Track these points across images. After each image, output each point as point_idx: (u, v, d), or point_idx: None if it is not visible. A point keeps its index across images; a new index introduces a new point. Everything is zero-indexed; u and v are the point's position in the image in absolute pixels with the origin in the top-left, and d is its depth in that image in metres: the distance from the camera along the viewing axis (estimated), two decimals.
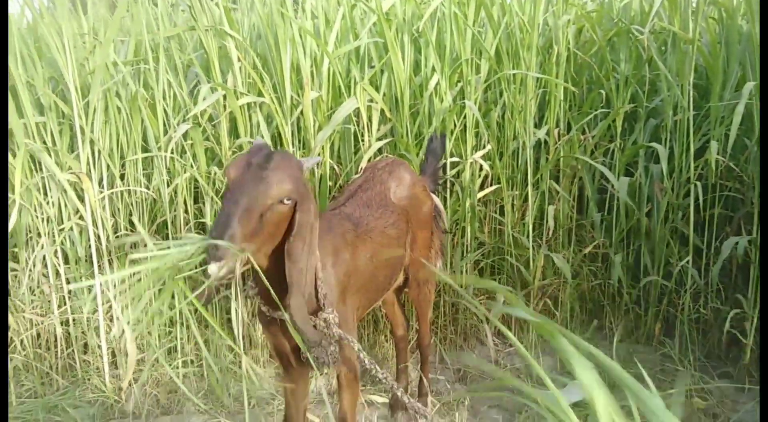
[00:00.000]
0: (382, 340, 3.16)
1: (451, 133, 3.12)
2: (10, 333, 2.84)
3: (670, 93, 3.16)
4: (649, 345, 3.20)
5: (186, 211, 2.94)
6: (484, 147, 3.19)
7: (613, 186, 3.21)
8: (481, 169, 3.16)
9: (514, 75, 3.18)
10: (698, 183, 2.98)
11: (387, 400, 2.79)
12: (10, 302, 2.85)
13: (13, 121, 2.69)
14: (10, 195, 2.74)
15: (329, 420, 2.55)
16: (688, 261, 3.03)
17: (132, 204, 2.93)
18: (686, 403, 2.68)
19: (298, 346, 1.87)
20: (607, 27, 3.56)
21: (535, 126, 3.30)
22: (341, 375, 1.97)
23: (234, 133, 2.97)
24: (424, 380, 2.71)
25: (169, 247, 1.43)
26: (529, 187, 3.19)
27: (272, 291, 1.58)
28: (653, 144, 3.14)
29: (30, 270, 2.80)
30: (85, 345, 2.91)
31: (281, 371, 2.06)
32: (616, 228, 3.30)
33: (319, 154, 2.95)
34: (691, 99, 3.07)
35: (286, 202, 1.57)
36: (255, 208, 1.52)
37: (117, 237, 2.86)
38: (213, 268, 1.43)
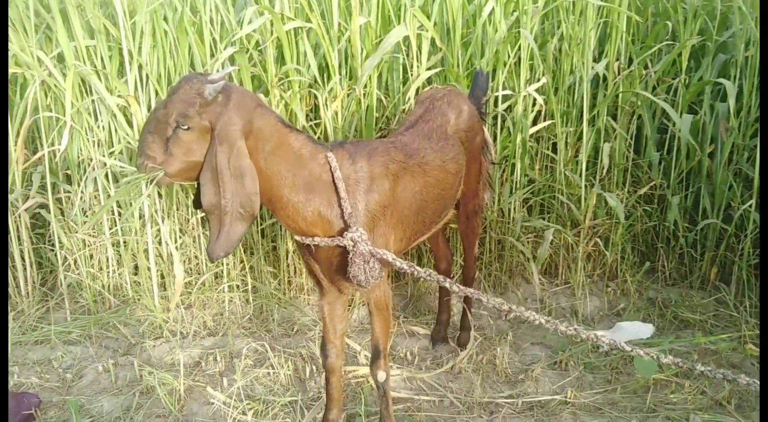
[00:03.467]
0: None
1: (504, 64, 3.00)
2: (64, 253, 2.93)
3: (743, 26, 2.95)
4: (703, 290, 3.09)
5: None
6: (539, 80, 3.06)
7: (674, 124, 3.05)
8: (534, 103, 3.04)
9: (573, 3, 3.01)
10: None
11: (428, 332, 2.78)
12: (64, 222, 2.94)
13: (64, 44, 2.71)
14: (61, 117, 2.79)
15: (369, 348, 2.56)
16: (750, 205, 2.88)
17: None
18: (739, 349, 2.59)
19: (328, 267, 1.88)
20: None
21: (594, 59, 3.13)
22: (371, 300, 1.96)
23: (280, 59, 2.92)
24: (468, 314, 2.69)
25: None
26: (585, 124, 3.05)
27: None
28: (721, 80, 2.95)
29: (82, 192, 2.86)
30: (136, 266, 2.98)
31: (319, 294, 2.07)
32: (676, 168, 3.15)
33: (365, 85, 2.88)
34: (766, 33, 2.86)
35: (182, 127, 1.62)
36: (155, 132, 1.65)
37: None
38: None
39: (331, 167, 1.80)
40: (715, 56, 3.14)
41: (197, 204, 1.75)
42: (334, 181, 1.80)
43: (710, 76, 3.11)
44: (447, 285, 1.75)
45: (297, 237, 1.86)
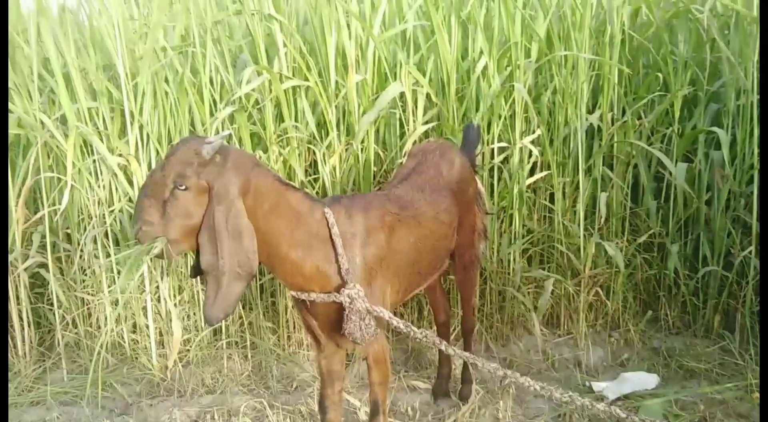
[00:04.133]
0: (426, 326, 3.11)
1: (500, 117, 3.05)
2: (62, 311, 2.92)
3: (733, 75, 3.00)
4: (707, 339, 3.04)
5: None
6: (534, 132, 3.10)
7: (670, 173, 3.07)
8: (530, 154, 3.08)
9: (565, 58, 3.08)
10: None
11: (429, 386, 2.74)
12: (63, 281, 2.94)
13: (66, 106, 2.77)
14: (62, 177, 2.83)
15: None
16: (750, 252, 2.87)
17: None
18: (746, 398, 2.54)
19: (325, 323, 1.87)
20: (664, 7, 3.40)
21: (588, 111, 3.18)
22: (369, 356, 1.94)
23: (279, 117, 2.98)
24: (469, 367, 2.65)
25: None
26: (581, 174, 3.08)
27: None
28: (714, 129, 2.98)
29: (81, 251, 2.87)
30: (134, 324, 2.97)
31: (315, 350, 2.05)
32: (674, 216, 3.15)
33: (362, 140, 2.93)
34: (755, 81, 2.91)
35: (179, 187, 1.62)
36: (153, 194, 1.63)
37: None
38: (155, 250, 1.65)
39: (328, 223, 1.81)
40: (707, 105, 3.18)
41: (195, 272, 1.74)
42: (331, 236, 1.81)
43: (703, 124, 3.15)
44: (443, 348, 1.75)
45: (293, 293, 1.86)
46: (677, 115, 3.15)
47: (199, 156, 1.62)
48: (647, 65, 3.47)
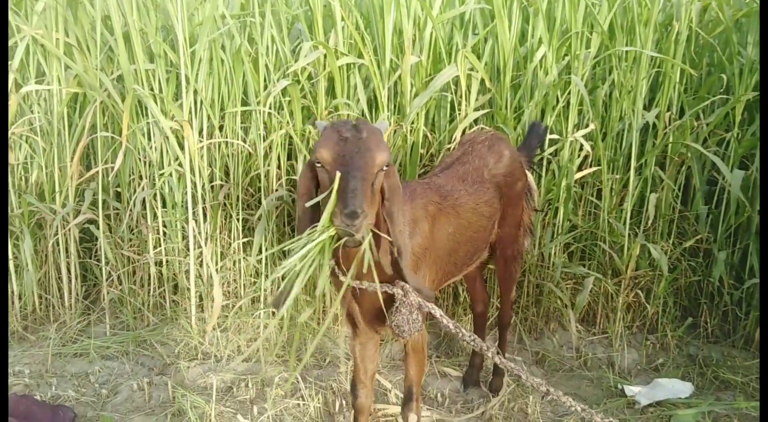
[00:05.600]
0: (460, 312, 3.12)
1: (553, 108, 2.99)
2: (108, 269, 3.01)
3: None
4: (746, 351, 2.99)
5: (279, 167, 2.98)
6: (587, 126, 3.04)
7: (724, 178, 2.99)
8: (581, 148, 3.02)
9: (626, 52, 3.00)
10: None
11: (461, 374, 2.75)
12: (111, 239, 3.01)
13: (124, 67, 2.80)
14: (117, 137, 2.88)
15: (400, 386, 2.55)
16: None
17: (228, 155, 3.00)
18: None
19: (369, 311, 1.87)
20: (735, 6, 3.27)
21: (645, 108, 3.11)
22: (408, 344, 1.95)
23: (331, 92, 2.97)
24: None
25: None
26: (632, 172, 3.02)
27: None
28: None
29: (130, 211, 2.93)
30: (176, 286, 3.03)
31: (351, 334, 2.07)
32: (723, 223, 3.08)
33: (413, 121, 2.91)
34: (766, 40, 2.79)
35: (385, 168, 1.61)
36: (368, 177, 1.55)
37: (212, 186, 2.95)
38: (351, 240, 1.53)
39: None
40: None
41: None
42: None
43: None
44: (489, 354, 1.75)
45: (344, 279, 1.80)
46: (738, 119, 3.05)
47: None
48: (711, 64, 3.36)
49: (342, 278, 1.80)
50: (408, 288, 1.76)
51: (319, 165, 1.59)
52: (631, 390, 2.66)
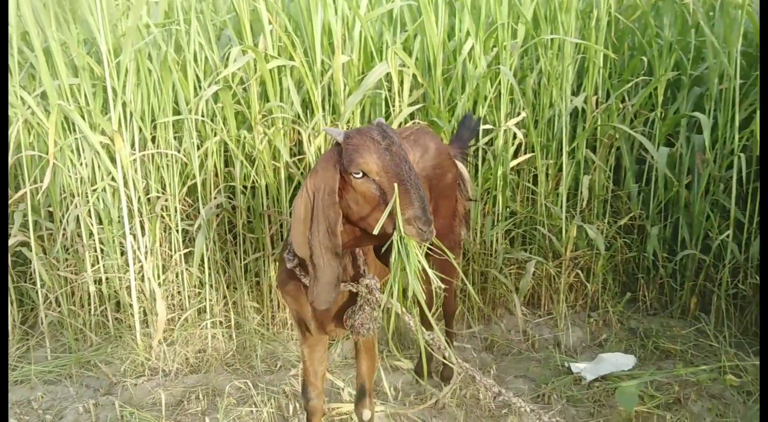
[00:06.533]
0: (409, 304, 3.14)
1: (485, 99, 3.05)
2: (45, 290, 2.91)
3: (716, 60, 3.02)
4: (683, 320, 3.12)
5: (216, 175, 2.95)
6: (519, 114, 3.11)
7: (652, 156, 3.10)
8: (515, 137, 3.09)
9: (551, 40, 3.08)
10: (742, 155, 2.85)
11: (412, 366, 2.78)
12: (46, 260, 2.92)
13: (47, 83, 2.72)
14: (44, 155, 2.79)
15: (353, 384, 2.55)
16: (728, 236, 2.93)
17: (163, 166, 2.94)
18: (719, 380, 2.61)
19: (326, 312, 1.86)
20: None
21: (573, 93, 3.20)
22: (360, 341, 1.96)
23: (264, 96, 2.95)
24: (450, 347, 2.69)
25: None
26: (564, 156, 3.10)
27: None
28: (696, 113, 3.01)
29: (64, 230, 2.85)
30: (118, 303, 2.97)
31: (300, 336, 2.06)
32: (654, 200, 3.20)
33: (348, 120, 2.92)
34: (738, 67, 2.94)
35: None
36: (419, 180, 1.56)
37: (148, 199, 2.89)
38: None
39: None
40: (691, 89, 3.21)
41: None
42: None
43: (686, 109, 3.18)
44: (446, 354, 1.76)
45: (300, 276, 1.78)
46: (660, 98, 3.17)
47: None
48: (632, 48, 3.48)
49: (303, 278, 1.77)
50: (372, 285, 1.76)
51: (359, 176, 1.53)
52: (576, 367, 2.74)
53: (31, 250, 2.86)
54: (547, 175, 3.19)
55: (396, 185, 1.49)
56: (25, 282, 3.06)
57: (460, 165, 2.52)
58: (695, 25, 3.14)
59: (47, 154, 2.74)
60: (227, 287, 3.00)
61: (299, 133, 2.94)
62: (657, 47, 3.18)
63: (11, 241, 2.83)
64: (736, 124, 2.94)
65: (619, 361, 2.77)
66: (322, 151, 2.92)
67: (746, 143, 2.99)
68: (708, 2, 3.29)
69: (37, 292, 2.93)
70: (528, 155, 3.15)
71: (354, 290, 1.78)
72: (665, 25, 3.19)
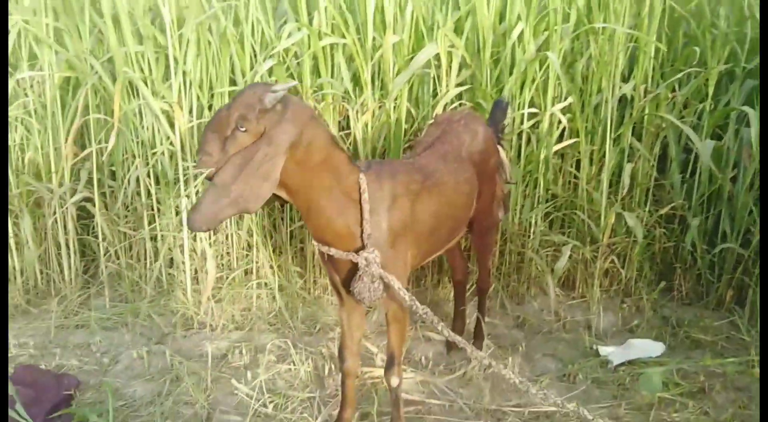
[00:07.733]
0: (445, 281, 3.26)
1: (533, 82, 3.09)
2: (105, 244, 3.13)
3: None
4: (717, 312, 3.14)
5: None
6: (566, 99, 3.14)
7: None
8: (559, 121, 3.13)
9: (602, 28, 3.08)
10: None
11: (443, 338, 2.90)
12: (107, 216, 3.13)
13: (114, 49, 2.89)
14: (109, 119, 2.98)
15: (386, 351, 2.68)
16: None
17: None
18: (746, 373, 2.64)
19: (346, 281, 2.01)
20: None
21: (622, 80, 3.20)
22: (389, 311, 2.09)
23: (316, 72, 3.06)
24: (481, 323, 2.80)
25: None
26: (609, 143, 3.13)
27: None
28: (744, 107, 2.99)
29: (125, 189, 3.04)
30: (171, 260, 3.16)
31: (338, 303, 2.20)
32: (698, 191, 3.20)
33: (395, 98, 3.00)
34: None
35: (240, 129, 1.74)
36: (217, 131, 1.75)
37: None
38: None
39: (360, 188, 1.93)
40: (743, 83, 3.18)
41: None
42: (360, 201, 1.92)
43: (737, 102, 3.15)
44: (439, 328, 1.91)
45: (315, 244, 2.00)
46: (711, 90, 3.15)
47: (261, 103, 1.74)
48: (686, 37, 3.44)
49: (314, 243, 1.99)
50: (371, 258, 1.90)
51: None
52: (604, 350, 2.80)
53: (94, 206, 3.08)
54: (590, 160, 3.22)
55: None
56: (88, 234, 3.29)
57: (499, 149, 2.60)
58: (752, 17, 3.10)
59: (112, 117, 2.93)
60: (273, 251, 3.16)
61: (348, 108, 3.05)
62: (711, 38, 3.15)
63: (77, 197, 3.05)
64: None
65: (647, 347, 2.82)
66: (369, 127, 3.03)
67: None
68: None
69: (98, 245, 3.16)
70: (572, 140, 3.18)
71: (354, 260, 1.92)
72: (721, 15, 3.15)
